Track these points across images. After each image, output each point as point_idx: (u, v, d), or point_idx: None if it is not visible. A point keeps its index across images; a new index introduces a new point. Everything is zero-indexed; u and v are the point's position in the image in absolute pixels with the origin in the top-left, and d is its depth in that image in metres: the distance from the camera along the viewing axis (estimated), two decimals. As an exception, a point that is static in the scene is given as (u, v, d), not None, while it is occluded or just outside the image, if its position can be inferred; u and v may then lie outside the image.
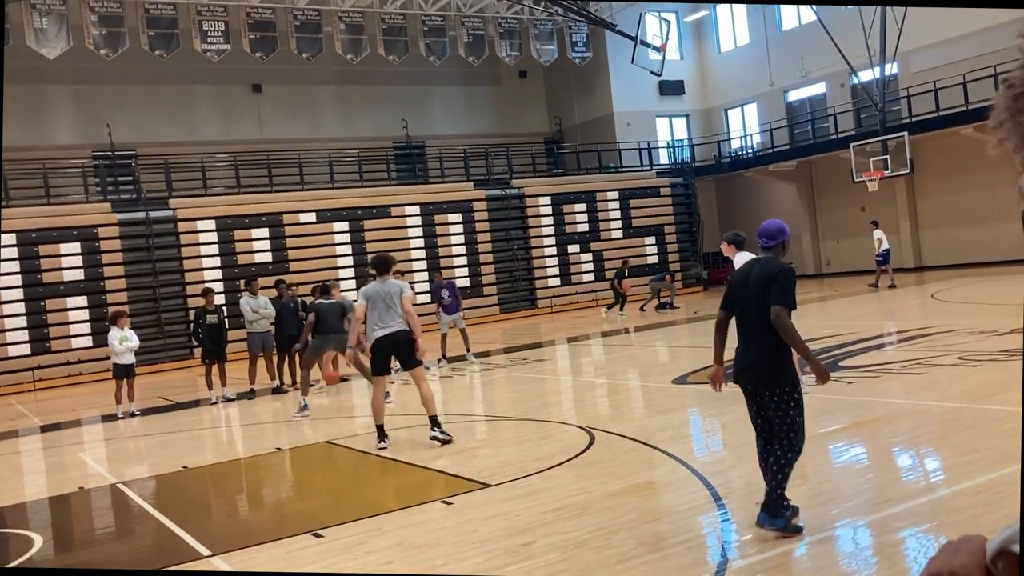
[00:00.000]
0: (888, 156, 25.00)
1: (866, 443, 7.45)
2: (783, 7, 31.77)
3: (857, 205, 28.73)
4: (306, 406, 11.85)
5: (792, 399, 5.10)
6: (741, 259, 10.15)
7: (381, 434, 8.98)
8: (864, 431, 7.80)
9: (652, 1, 29.90)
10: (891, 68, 26.16)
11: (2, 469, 11.09)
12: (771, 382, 5.11)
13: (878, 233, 22.62)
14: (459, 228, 27.56)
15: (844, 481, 6.32)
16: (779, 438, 5.10)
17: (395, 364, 14.07)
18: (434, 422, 8.99)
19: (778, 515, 5.04)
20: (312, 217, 25.37)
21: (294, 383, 14.44)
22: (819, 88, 31.18)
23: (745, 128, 34.22)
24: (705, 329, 18.90)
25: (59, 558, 6.69)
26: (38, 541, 7.03)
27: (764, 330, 5.09)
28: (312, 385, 13.22)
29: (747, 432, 8.51)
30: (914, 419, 8.06)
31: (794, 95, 32.37)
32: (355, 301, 13.55)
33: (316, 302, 12.95)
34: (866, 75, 26.26)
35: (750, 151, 33.38)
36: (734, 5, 33.31)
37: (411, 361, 8.96)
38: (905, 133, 24.76)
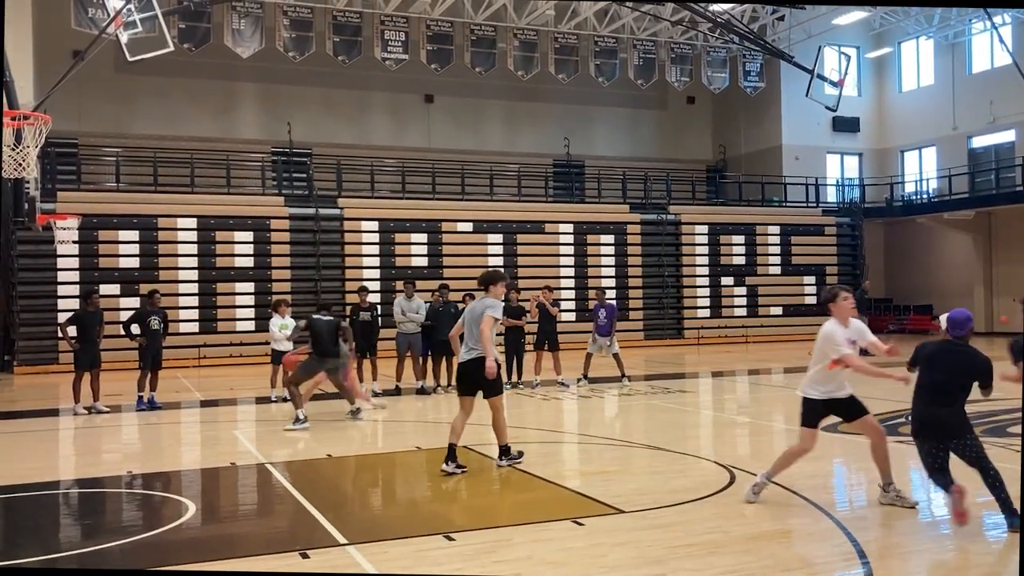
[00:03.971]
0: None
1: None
2: (975, 48, 30.22)
3: (1041, 262, 26.87)
4: (301, 418, 11.52)
5: None
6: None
7: (504, 452, 8.77)
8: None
9: (836, 4, 28.84)
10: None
11: (165, 437, 11.86)
12: None
13: None
14: (611, 250, 27.49)
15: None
16: None
17: (372, 385, 14.16)
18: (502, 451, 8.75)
19: None
20: (469, 227, 25.93)
21: (443, 385, 14.74)
22: (1008, 136, 29.32)
23: (922, 172, 32.56)
24: (859, 376, 17.98)
25: (207, 527, 7.07)
26: (191, 508, 7.46)
27: None
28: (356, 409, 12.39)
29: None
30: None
31: (979, 141, 30.57)
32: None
33: (314, 318, 12.22)
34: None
35: (925, 196, 31.74)
36: (920, 45, 31.96)
37: (488, 389, 8.42)
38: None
